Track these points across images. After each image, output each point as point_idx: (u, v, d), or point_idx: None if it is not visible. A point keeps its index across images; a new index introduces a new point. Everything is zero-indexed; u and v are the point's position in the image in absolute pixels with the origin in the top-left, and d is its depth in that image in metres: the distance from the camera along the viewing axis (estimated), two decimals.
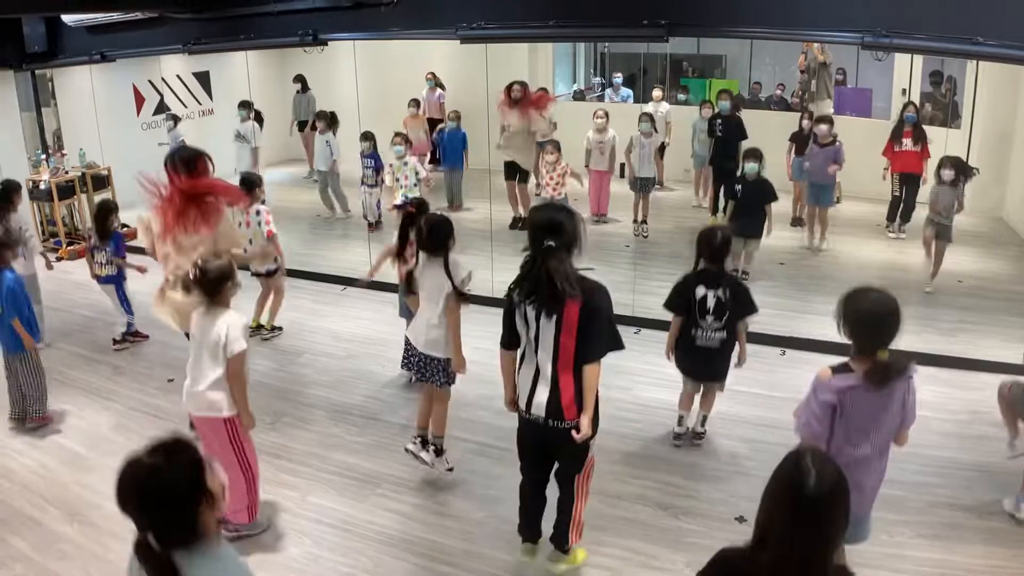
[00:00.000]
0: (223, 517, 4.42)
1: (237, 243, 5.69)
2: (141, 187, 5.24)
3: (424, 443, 5.15)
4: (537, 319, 3.61)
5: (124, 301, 7.20)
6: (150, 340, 7.33)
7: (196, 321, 4.32)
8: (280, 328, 7.53)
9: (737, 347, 5.22)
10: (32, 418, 5.82)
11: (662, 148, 10.83)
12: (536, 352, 3.69)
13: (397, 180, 9.19)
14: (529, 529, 4.15)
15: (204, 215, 5.14)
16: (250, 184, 6.96)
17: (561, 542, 4.06)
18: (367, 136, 9.98)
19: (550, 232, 3.52)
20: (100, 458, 5.30)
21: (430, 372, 4.95)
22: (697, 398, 5.45)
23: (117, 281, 7.14)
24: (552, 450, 3.88)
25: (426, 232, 4.84)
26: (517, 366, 3.85)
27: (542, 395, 3.69)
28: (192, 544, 2.22)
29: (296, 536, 4.59)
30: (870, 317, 3.26)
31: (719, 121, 9.84)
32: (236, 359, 4.21)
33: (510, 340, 3.82)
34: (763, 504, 2.23)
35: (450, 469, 5.10)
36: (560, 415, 3.65)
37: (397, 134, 9.31)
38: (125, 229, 10.71)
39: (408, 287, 5.10)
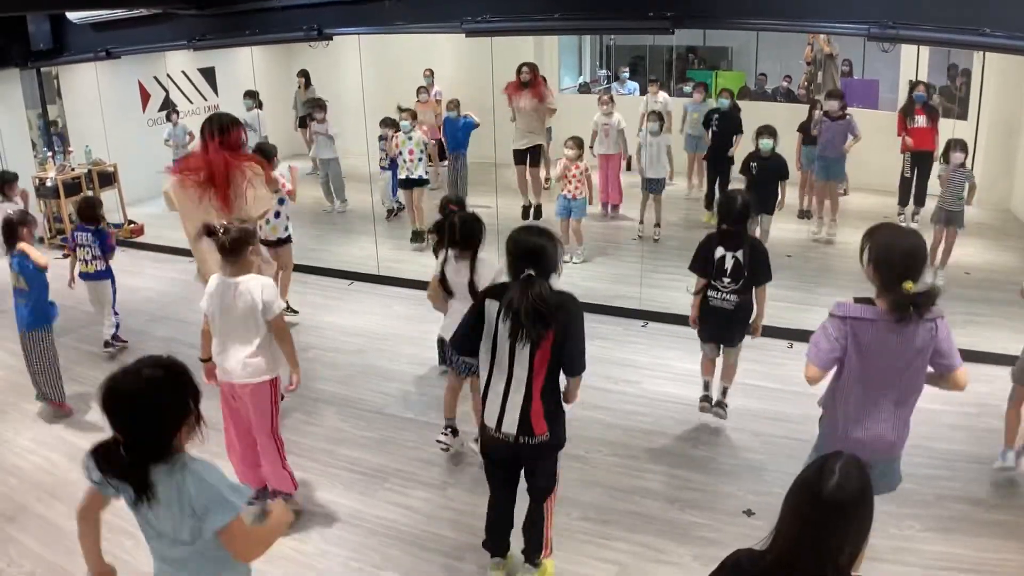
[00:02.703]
0: (267, 487, 4.49)
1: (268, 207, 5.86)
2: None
3: (455, 432, 5.22)
4: (512, 339, 3.53)
5: (114, 296, 7.05)
6: (154, 336, 7.35)
7: (217, 288, 4.21)
8: (295, 311, 7.55)
9: (755, 311, 5.18)
10: (51, 401, 5.85)
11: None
12: (510, 369, 3.61)
13: (400, 154, 9.22)
14: (497, 545, 4.12)
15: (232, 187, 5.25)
16: (267, 154, 6.93)
17: (533, 557, 4.03)
18: (386, 122, 10.02)
19: (531, 258, 3.48)
20: None
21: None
22: (719, 366, 5.42)
23: (109, 276, 6.99)
24: (523, 466, 3.86)
25: (458, 229, 4.85)
26: (482, 384, 3.77)
27: (513, 413, 3.62)
28: (165, 457, 2.37)
29: (304, 531, 4.59)
30: (898, 248, 3.21)
31: (716, 116, 9.80)
32: (279, 319, 4.21)
33: (471, 346, 3.74)
34: (783, 504, 2.18)
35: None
36: (531, 431, 3.62)
37: (404, 109, 9.34)
38: (130, 226, 10.81)
39: (444, 288, 5.04)
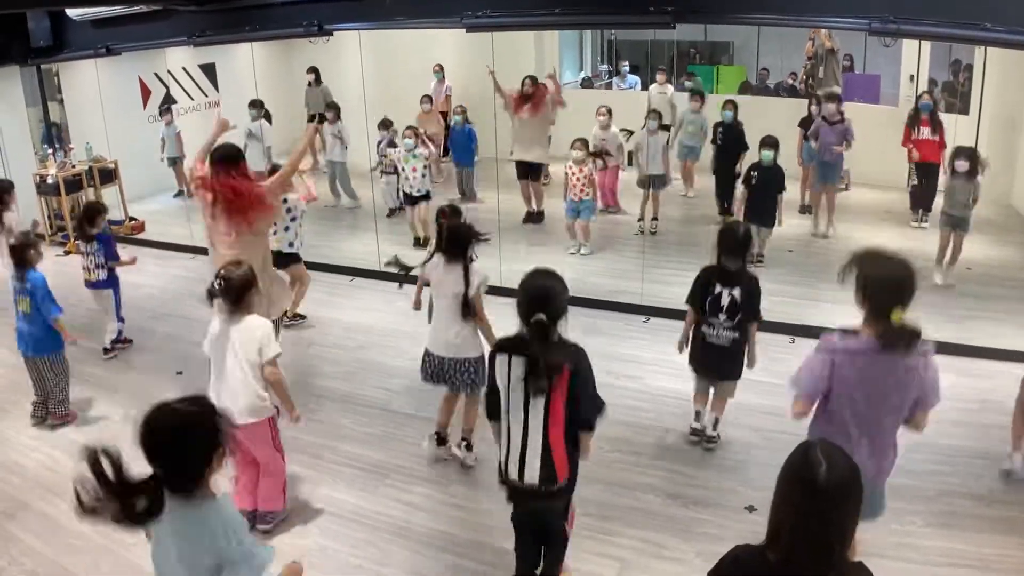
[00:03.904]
0: (256, 509, 4.50)
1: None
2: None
3: (441, 441, 5.22)
4: (526, 385, 3.50)
5: (118, 306, 7.07)
6: (157, 333, 7.37)
7: (219, 329, 4.28)
8: (303, 316, 7.56)
9: (748, 349, 5.17)
10: (55, 415, 5.84)
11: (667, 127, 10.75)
12: (526, 419, 3.56)
13: (403, 170, 9.21)
14: None
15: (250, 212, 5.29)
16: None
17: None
18: (386, 124, 9.99)
19: (542, 303, 3.45)
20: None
21: (459, 378, 5.01)
22: (711, 396, 5.43)
23: (112, 285, 6.99)
24: (543, 522, 3.82)
25: (446, 237, 4.91)
26: (501, 436, 3.72)
27: (535, 460, 3.58)
28: (192, 492, 2.43)
29: (305, 527, 4.60)
30: (889, 277, 3.20)
31: (720, 130, 9.77)
32: (271, 364, 4.23)
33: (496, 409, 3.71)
34: (775, 499, 2.19)
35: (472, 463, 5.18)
36: (554, 479, 3.57)
37: (408, 127, 9.32)
38: (131, 222, 10.81)
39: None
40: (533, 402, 3.51)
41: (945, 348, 6.32)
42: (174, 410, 2.44)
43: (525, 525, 3.88)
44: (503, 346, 3.59)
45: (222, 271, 4.22)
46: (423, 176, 9.14)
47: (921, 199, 9.38)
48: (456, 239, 4.88)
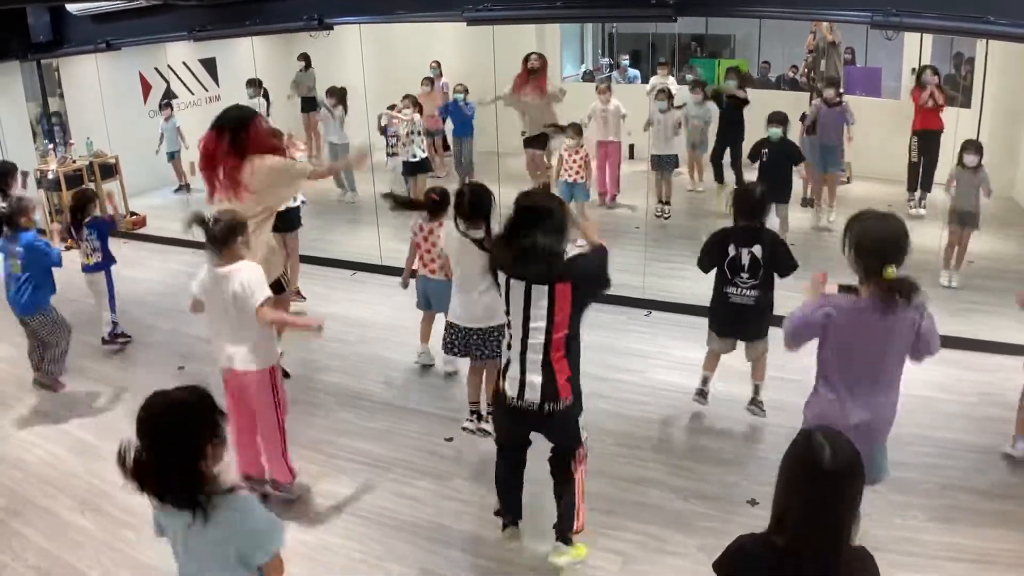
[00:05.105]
0: (262, 476, 4.50)
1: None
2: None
3: (480, 417, 5.28)
4: (527, 298, 3.49)
5: (111, 292, 6.99)
6: (159, 328, 7.36)
7: (209, 277, 4.23)
8: (304, 298, 7.61)
9: None
10: (44, 373, 5.85)
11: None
12: (525, 335, 3.57)
13: (396, 135, 9.27)
14: (511, 512, 4.10)
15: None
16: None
17: (565, 532, 3.97)
18: (408, 98, 10.03)
19: (534, 220, 3.44)
20: (112, 447, 5.21)
21: (486, 348, 5.00)
22: (723, 363, 5.41)
23: (105, 268, 6.94)
24: (544, 434, 3.83)
25: (469, 200, 4.81)
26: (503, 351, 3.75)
27: (535, 378, 3.58)
28: (201, 485, 2.42)
29: (306, 523, 4.60)
30: (878, 233, 3.20)
31: (725, 100, 9.80)
32: (262, 308, 4.12)
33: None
34: (779, 486, 2.22)
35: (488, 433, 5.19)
36: (556, 396, 3.58)
37: (405, 96, 9.36)
38: (132, 217, 10.80)
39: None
40: (533, 312, 3.49)
41: (946, 342, 6.32)
42: (168, 396, 2.47)
43: (513, 452, 3.91)
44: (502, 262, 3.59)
45: (212, 215, 4.19)
46: (413, 142, 9.36)
47: (919, 175, 9.36)
48: (479, 203, 4.80)
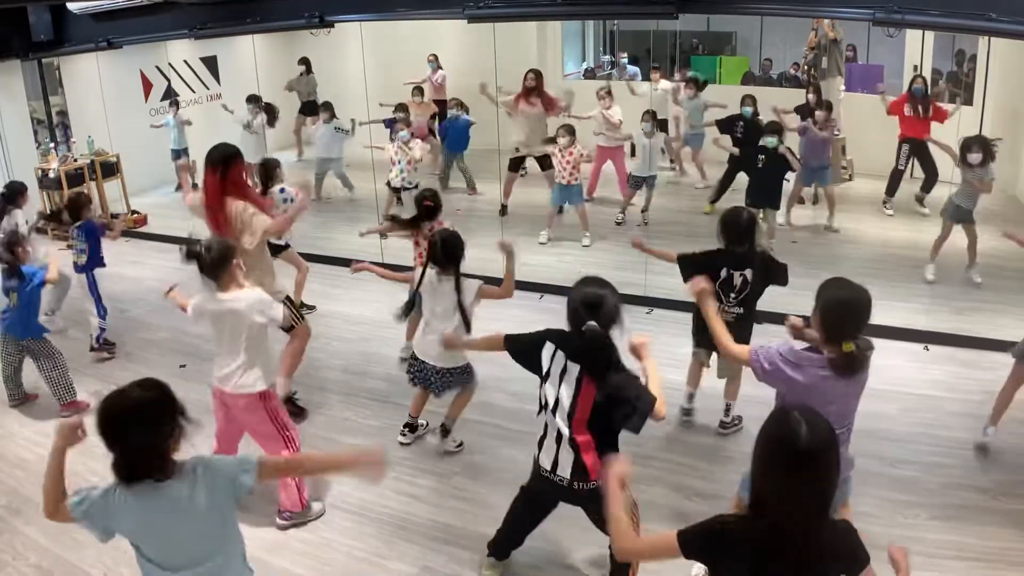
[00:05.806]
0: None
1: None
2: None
3: (412, 429, 5.35)
4: (561, 378, 3.50)
5: (96, 294, 6.87)
6: (160, 327, 7.34)
7: (207, 306, 4.26)
8: (312, 307, 7.57)
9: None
10: (63, 404, 5.84)
11: (665, 125, 10.70)
12: (554, 413, 3.56)
13: (399, 162, 9.21)
14: (503, 553, 4.09)
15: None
16: (270, 168, 6.93)
17: None
18: (400, 108, 9.99)
19: (591, 309, 3.39)
20: None
21: (446, 385, 5.07)
22: (717, 381, 5.40)
23: (88, 270, 6.83)
24: (578, 506, 3.77)
25: (439, 247, 4.89)
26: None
27: (567, 457, 3.56)
28: (166, 471, 2.56)
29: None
30: (841, 305, 3.21)
31: (740, 123, 9.69)
32: (288, 321, 4.28)
33: (524, 360, 3.68)
34: (756, 468, 2.26)
35: (459, 445, 5.26)
36: (586, 476, 3.55)
37: (397, 106, 9.32)
38: (133, 216, 10.80)
39: (407, 310, 5.48)
40: (562, 395, 3.49)
41: (948, 339, 6.37)
42: (126, 396, 2.52)
43: (541, 508, 3.87)
44: (551, 337, 3.57)
45: (203, 243, 4.21)
46: (409, 171, 9.19)
47: (897, 183, 9.43)
48: (449, 248, 4.87)
